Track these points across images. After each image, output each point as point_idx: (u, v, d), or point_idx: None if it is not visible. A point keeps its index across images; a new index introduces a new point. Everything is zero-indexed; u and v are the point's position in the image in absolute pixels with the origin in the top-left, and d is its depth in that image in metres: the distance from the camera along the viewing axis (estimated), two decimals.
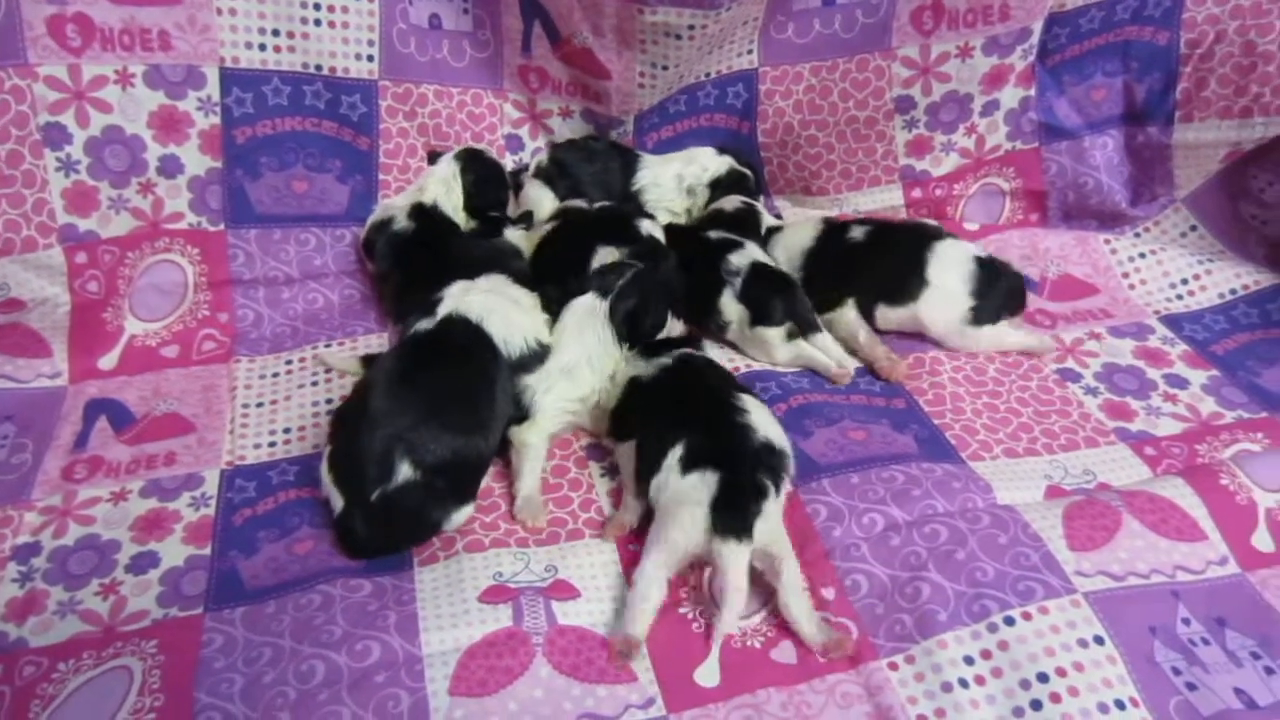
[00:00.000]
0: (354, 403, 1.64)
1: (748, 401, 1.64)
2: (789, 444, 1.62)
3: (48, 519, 1.64)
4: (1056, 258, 2.34)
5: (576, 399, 1.76)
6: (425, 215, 2.17)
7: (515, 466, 1.69)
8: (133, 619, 1.46)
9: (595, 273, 1.89)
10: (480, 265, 1.95)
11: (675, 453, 1.52)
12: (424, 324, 1.74)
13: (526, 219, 2.27)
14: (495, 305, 1.75)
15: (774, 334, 1.97)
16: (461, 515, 1.59)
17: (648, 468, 1.56)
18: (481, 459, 1.64)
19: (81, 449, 1.79)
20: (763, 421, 1.60)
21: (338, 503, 1.56)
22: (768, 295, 1.98)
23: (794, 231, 2.24)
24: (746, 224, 2.25)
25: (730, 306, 2.00)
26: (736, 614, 1.41)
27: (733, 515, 1.42)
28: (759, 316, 1.98)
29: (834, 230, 2.18)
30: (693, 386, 1.72)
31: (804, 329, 1.99)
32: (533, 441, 1.70)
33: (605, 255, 1.97)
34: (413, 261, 2.10)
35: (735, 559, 1.39)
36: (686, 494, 1.47)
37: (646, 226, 2.10)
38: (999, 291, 2.01)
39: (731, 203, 2.33)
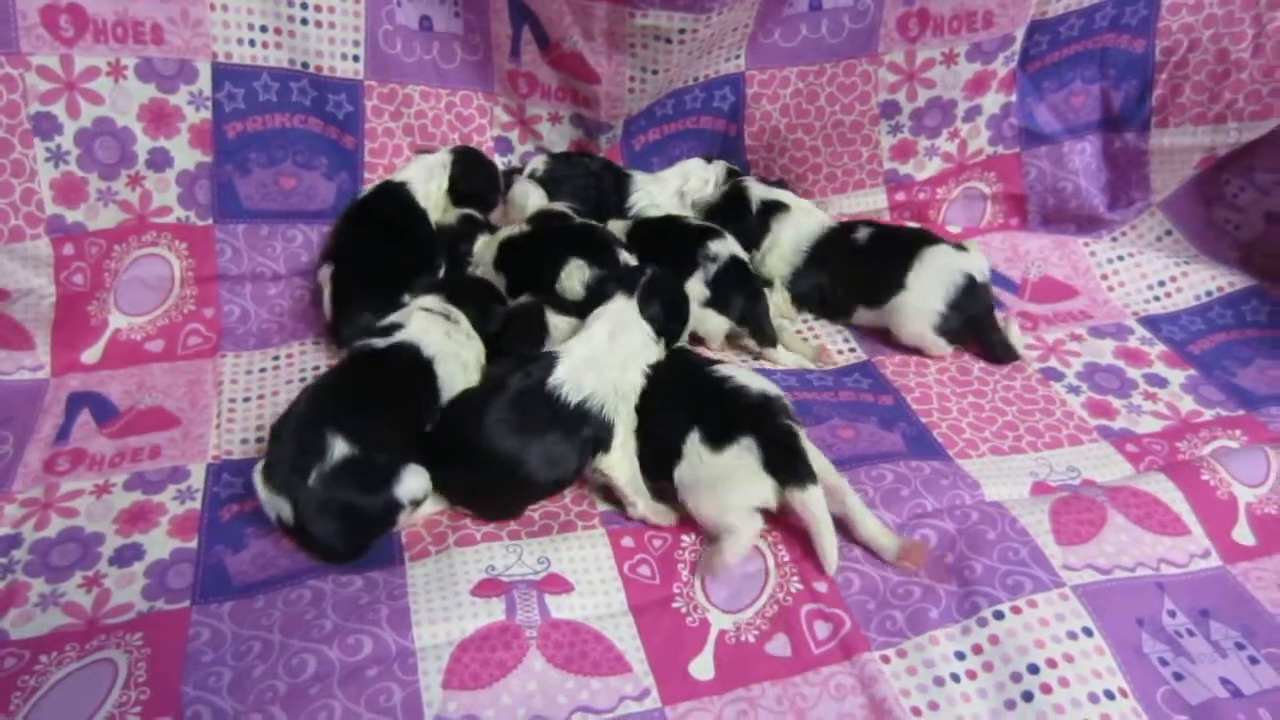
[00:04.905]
0: (282, 415, 1.63)
1: (725, 369, 1.70)
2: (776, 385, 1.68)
3: (28, 511, 1.61)
4: (1037, 260, 2.38)
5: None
6: (386, 192, 2.18)
7: (622, 497, 1.64)
8: (117, 611, 1.44)
9: (613, 276, 1.86)
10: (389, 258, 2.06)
11: (693, 437, 1.57)
12: (376, 342, 1.73)
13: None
14: (450, 350, 1.74)
15: (719, 323, 2.02)
16: (415, 483, 1.56)
17: (663, 460, 1.60)
18: (412, 433, 1.63)
19: (63, 442, 1.77)
20: (748, 379, 1.66)
21: (285, 509, 1.52)
22: (734, 288, 2.02)
23: (807, 216, 2.25)
24: (735, 202, 2.28)
25: (694, 286, 1.99)
26: (835, 547, 1.50)
27: (794, 465, 1.51)
28: (716, 300, 2.01)
29: (844, 229, 2.20)
30: (679, 375, 1.75)
31: (761, 340, 2.04)
32: (630, 469, 1.64)
33: (575, 268, 1.96)
34: (345, 221, 2.17)
35: (815, 500, 1.50)
36: (733, 468, 1.53)
37: (624, 255, 2.04)
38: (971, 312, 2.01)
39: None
